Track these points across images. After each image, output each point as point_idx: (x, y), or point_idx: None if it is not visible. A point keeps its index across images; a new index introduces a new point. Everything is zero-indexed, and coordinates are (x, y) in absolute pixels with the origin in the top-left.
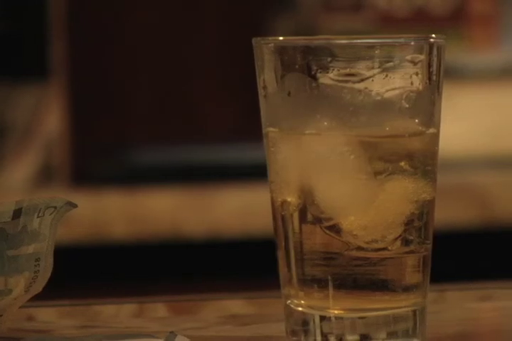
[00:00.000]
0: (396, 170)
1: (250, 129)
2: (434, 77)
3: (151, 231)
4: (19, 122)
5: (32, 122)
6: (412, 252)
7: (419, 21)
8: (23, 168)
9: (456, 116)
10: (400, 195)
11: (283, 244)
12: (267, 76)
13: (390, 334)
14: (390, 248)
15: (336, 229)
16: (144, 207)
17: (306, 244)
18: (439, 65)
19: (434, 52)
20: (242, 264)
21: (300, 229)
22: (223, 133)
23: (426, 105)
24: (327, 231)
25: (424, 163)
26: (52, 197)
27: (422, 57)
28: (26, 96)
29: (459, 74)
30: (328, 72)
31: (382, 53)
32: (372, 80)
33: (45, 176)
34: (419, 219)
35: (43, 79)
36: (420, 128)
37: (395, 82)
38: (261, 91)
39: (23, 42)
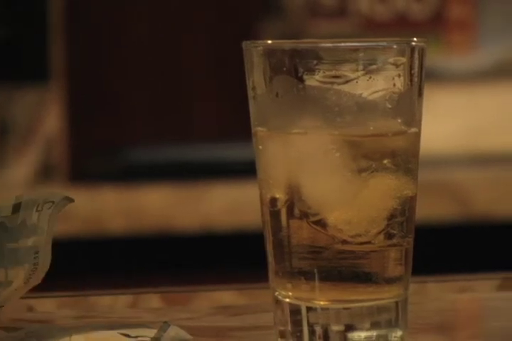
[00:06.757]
0: (379, 167)
1: (240, 128)
2: (415, 79)
3: (145, 226)
4: (20, 122)
5: (32, 122)
6: (394, 245)
7: (401, 26)
8: (23, 166)
9: (436, 116)
10: (383, 191)
11: (271, 238)
12: (256, 78)
13: (374, 324)
14: (373, 241)
15: (322, 223)
16: (139, 202)
17: (293, 238)
18: (421, 68)
19: (416, 55)
20: (233, 257)
21: (288, 223)
22: (214, 133)
23: (408, 106)
24: (313, 226)
25: (406, 160)
26: (50, 192)
27: (404, 59)
28: (27, 98)
29: (438, 77)
30: (314, 74)
31: (366, 56)
32: (357, 82)
33: (44, 174)
34: (401, 214)
35: (43, 81)
36: (402, 127)
37: (379, 83)
38: (250, 93)
39: (24, 46)
